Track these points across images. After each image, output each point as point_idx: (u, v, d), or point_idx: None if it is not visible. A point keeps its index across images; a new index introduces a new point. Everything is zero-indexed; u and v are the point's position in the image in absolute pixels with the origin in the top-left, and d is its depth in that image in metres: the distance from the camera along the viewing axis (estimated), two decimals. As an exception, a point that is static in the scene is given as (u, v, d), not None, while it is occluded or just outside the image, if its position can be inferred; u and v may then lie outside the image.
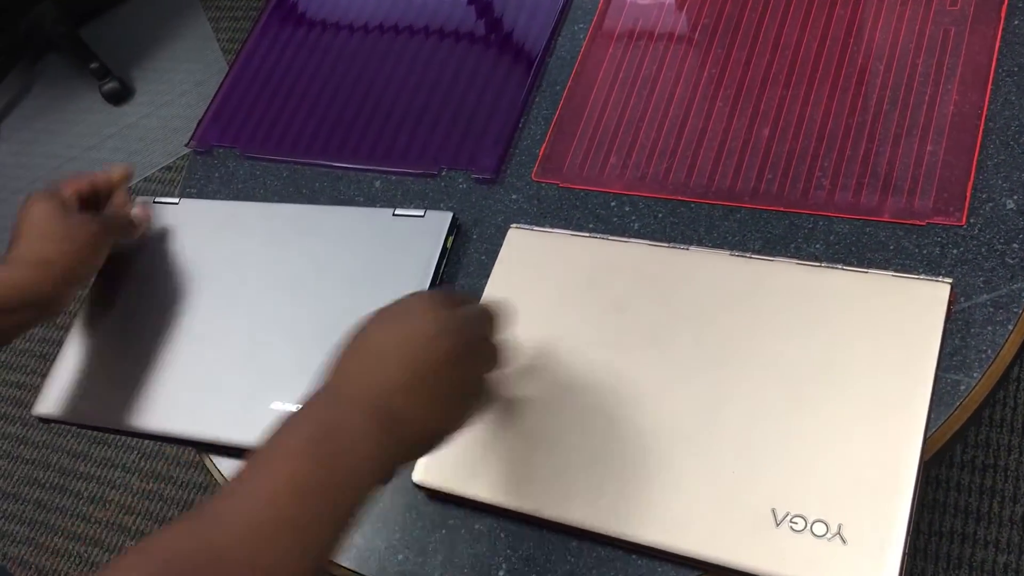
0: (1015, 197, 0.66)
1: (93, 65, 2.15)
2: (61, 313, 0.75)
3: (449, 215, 0.77)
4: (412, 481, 0.66)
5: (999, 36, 0.72)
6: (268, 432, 0.50)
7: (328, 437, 0.49)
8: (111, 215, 0.82)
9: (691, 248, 0.70)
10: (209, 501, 0.48)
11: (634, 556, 0.61)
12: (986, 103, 0.69)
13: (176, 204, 0.87)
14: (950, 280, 0.62)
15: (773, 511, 0.58)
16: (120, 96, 2.16)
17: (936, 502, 1.28)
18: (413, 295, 0.57)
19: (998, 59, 0.71)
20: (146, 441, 0.94)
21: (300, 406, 0.52)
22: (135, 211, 0.84)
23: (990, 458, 1.29)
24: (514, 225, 0.75)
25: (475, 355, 0.56)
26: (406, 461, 0.55)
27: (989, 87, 0.70)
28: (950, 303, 0.61)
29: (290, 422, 0.51)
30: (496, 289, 0.72)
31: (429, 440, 0.54)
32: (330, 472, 0.48)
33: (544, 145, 0.80)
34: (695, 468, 0.61)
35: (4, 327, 0.73)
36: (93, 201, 0.81)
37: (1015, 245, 0.64)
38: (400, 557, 0.66)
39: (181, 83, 2.12)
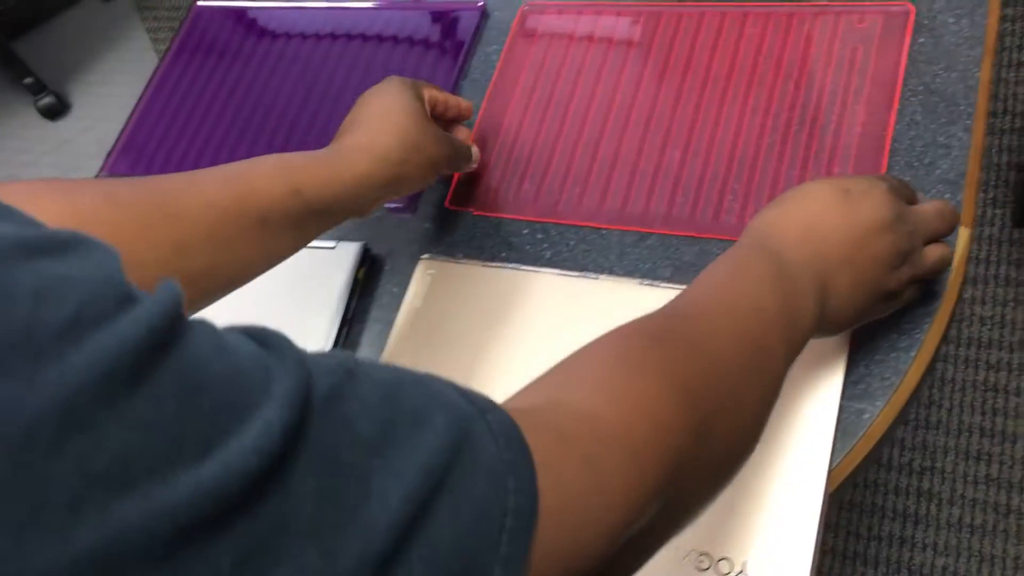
0: (919, 221, 0.65)
1: (27, 80, 2.10)
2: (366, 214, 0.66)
3: (359, 246, 0.76)
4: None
5: (904, 55, 0.72)
6: (722, 257, 0.53)
7: (783, 277, 0.51)
8: (460, 142, 0.72)
9: (600, 277, 0.69)
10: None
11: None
12: (891, 123, 0.69)
13: (84, 239, 0.85)
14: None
15: (676, 548, 0.57)
16: (56, 111, 2.12)
17: (875, 506, 1.28)
18: (870, 179, 0.57)
19: (904, 78, 0.71)
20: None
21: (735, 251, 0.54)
22: (474, 149, 0.75)
23: (927, 460, 1.30)
24: (424, 256, 0.74)
25: (912, 259, 0.56)
26: (819, 334, 0.55)
27: (895, 107, 0.70)
28: (854, 330, 0.61)
29: (740, 254, 0.53)
30: (406, 322, 0.71)
31: (841, 324, 0.56)
32: (786, 306, 0.50)
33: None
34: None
35: (330, 225, 0.63)
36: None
37: (918, 269, 0.64)
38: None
39: (120, 96, 2.08)
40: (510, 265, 0.72)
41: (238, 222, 0.55)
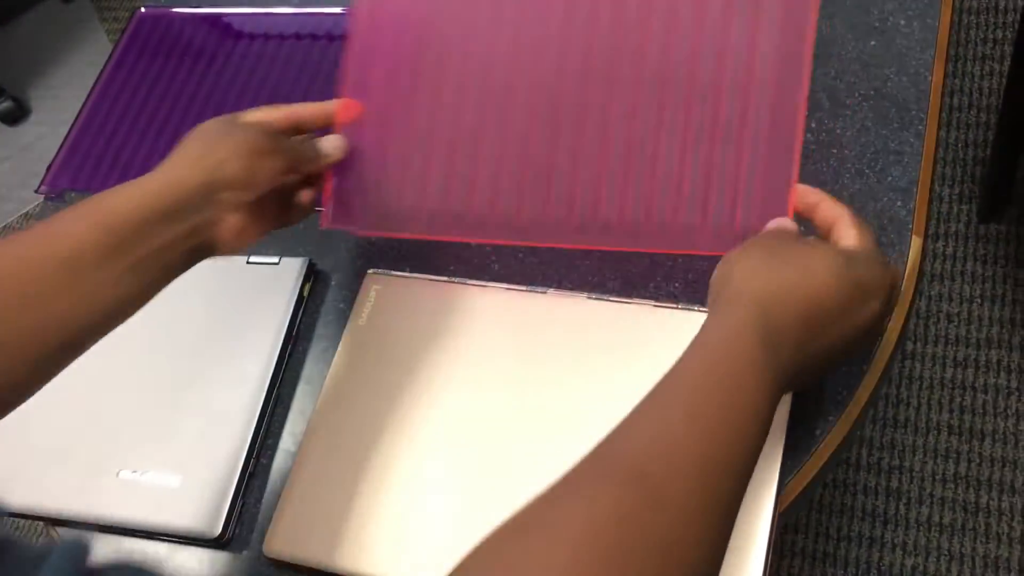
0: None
1: (-15, 85, 2.06)
2: (232, 248, 0.61)
3: (304, 261, 0.74)
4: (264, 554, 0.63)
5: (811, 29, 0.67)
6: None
7: (776, 385, 0.47)
8: (295, 137, 0.65)
9: (548, 291, 0.67)
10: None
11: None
12: (800, 118, 0.61)
13: (23, 256, 0.82)
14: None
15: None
16: (15, 116, 2.08)
17: (844, 506, 1.28)
18: (876, 261, 0.53)
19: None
20: None
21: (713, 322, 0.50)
22: (329, 140, 0.67)
23: (895, 459, 1.29)
24: (371, 271, 0.72)
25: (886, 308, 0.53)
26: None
27: (804, 101, 0.60)
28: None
29: (732, 356, 0.47)
30: (353, 339, 0.69)
31: (803, 381, 0.51)
32: (769, 413, 0.46)
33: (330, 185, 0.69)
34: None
35: (158, 250, 0.56)
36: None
37: (870, 280, 0.62)
38: (252, 633, 0.63)
39: (80, 100, 2.04)
40: (457, 279, 0.70)
41: (45, 271, 0.51)
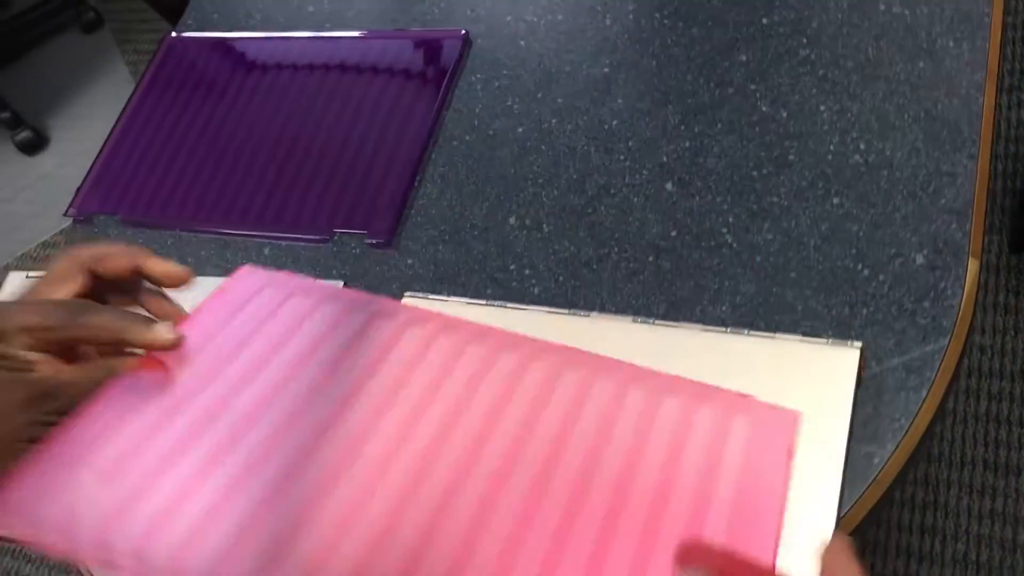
0: (924, 252, 0.62)
1: (4, 114, 2.06)
2: None
3: (339, 285, 0.73)
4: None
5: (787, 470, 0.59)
6: None
7: None
8: (71, 375, 0.48)
9: (592, 314, 0.65)
10: None
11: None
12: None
13: (51, 279, 0.81)
14: (860, 344, 0.58)
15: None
16: (34, 146, 2.08)
17: (878, 543, 1.24)
18: None
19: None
20: None
21: None
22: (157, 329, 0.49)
23: (930, 495, 1.26)
24: (408, 294, 0.70)
25: None
26: None
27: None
28: (861, 369, 0.58)
29: None
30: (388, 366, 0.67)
31: None
32: None
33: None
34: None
35: None
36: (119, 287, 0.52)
37: (926, 304, 0.60)
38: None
39: (99, 131, 2.04)
40: (496, 303, 0.68)
41: None
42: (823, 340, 0.59)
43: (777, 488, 0.43)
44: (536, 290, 0.70)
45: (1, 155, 2.12)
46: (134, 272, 0.52)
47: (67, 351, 0.49)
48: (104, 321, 0.48)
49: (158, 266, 0.52)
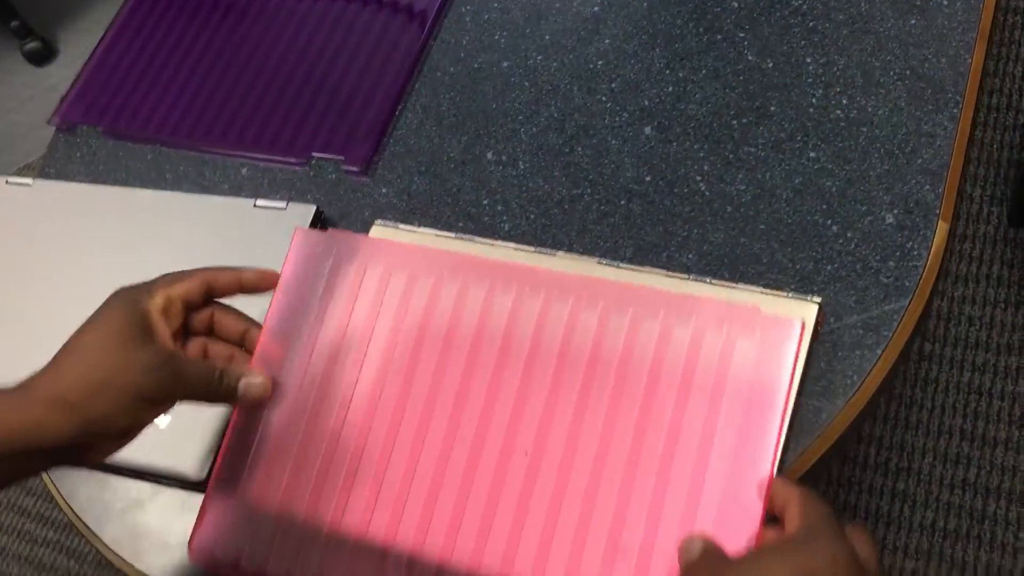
0: (895, 211, 0.62)
1: (13, 23, 2.05)
2: (93, 464, 0.55)
3: (312, 208, 0.72)
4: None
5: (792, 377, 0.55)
6: None
7: None
8: (202, 370, 0.55)
9: (558, 253, 0.65)
10: None
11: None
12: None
13: (29, 186, 0.81)
14: (819, 300, 0.58)
15: (610, 561, 0.54)
16: (42, 56, 2.07)
17: (848, 504, 1.25)
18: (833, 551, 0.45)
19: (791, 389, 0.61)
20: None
21: None
22: (250, 380, 0.58)
23: (904, 461, 1.27)
24: (378, 222, 0.70)
25: None
26: None
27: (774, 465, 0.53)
28: (818, 324, 0.58)
29: None
30: (337, 301, 0.67)
31: None
32: None
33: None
34: (523, 516, 0.55)
35: (6, 472, 0.50)
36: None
37: (891, 263, 0.60)
38: (230, 579, 0.62)
39: (108, 45, 2.03)
40: (465, 236, 0.68)
41: None
42: (783, 293, 0.59)
43: (780, 390, 0.52)
44: (507, 226, 0.69)
45: (9, 65, 2.11)
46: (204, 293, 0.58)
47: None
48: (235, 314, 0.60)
49: (246, 274, 0.59)
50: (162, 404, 0.54)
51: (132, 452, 0.65)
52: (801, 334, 0.54)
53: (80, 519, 0.66)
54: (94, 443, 0.52)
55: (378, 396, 0.59)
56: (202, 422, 0.65)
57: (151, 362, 0.52)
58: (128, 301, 0.54)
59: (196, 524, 0.59)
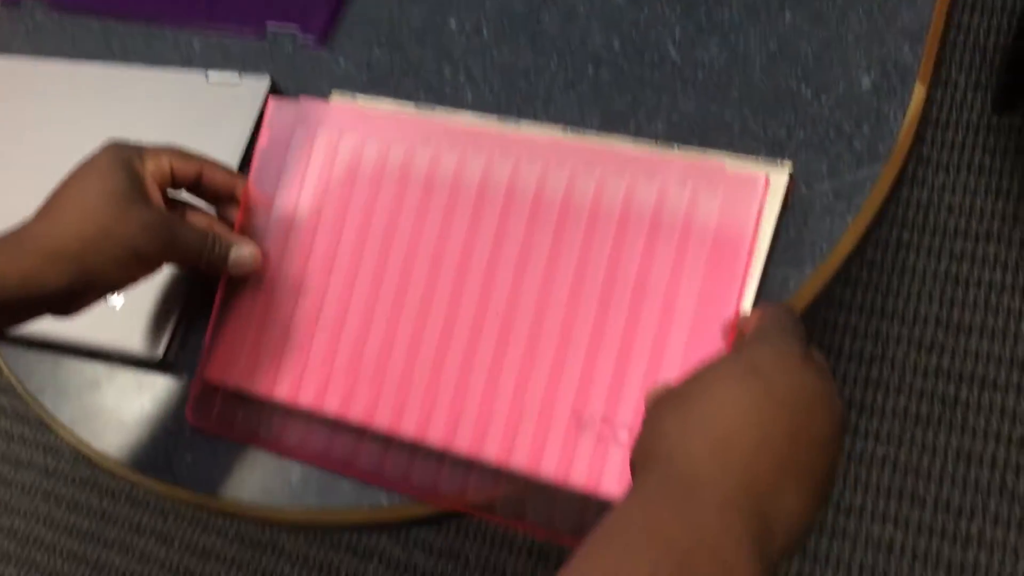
0: (872, 74, 0.59)
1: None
2: (75, 314, 0.55)
3: (267, 81, 0.69)
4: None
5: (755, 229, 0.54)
6: (586, 548, 0.36)
7: (689, 560, 0.34)
8: (198, 231, 0.57)
9: (523, 123, 0.63)
10: None
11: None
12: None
13: (-29, 61, 0.77)
14: (790, 165, 0.56)
15: (579, 417, 0.53)
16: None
17: (822, 392, 1.26)
18: (773, 337, 0.43)
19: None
20: None
21: (628, 500, 0.38)
22: (240, 251, 0.59)
23: (879, 350, 1.27)
24: (336, 92, 0.67)
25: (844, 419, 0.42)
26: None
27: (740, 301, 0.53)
28: (788, 192, 0.56)
29: (626, 524, 0.36)
30: (313, 166, 0.65)
31: (799, 541, 0.39)
32: None
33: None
34: (498, 371, 0.55)
35: None
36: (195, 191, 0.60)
37: (865, 128, 0.58)
38: (189, 458, 0.61)
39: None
40: (428, 106, 0.65)
41: None
42: (752, 158, 0.57)
43: (745, 241, 0.52)
44: (470, 97, 0.67)
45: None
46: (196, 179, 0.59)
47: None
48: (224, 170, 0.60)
49: (218, 175, 0.60)
50: (154, 264, 0.55)
51: (87, 332, 0.64)
52: (765, 188, 0.53)
53: (37, 400, 0.65)
54: (82, 295, 0.53)
55: (358, 260, 0.60)
56: (157, 303, 0.63)
57: (149, 221, 0.53)
58: (124, 160, 0.54)
59: (191, 390, 0.61)
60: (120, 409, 0.63)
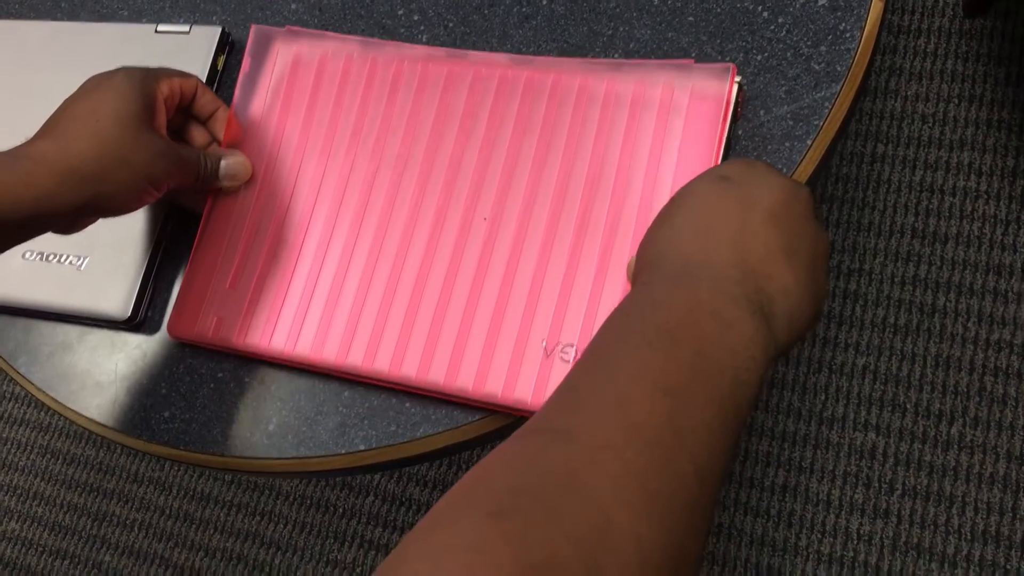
0: (828, -8, 0.58)
1: None
2: (74, 232, 0.55)
3: (217, 30, 0.68)
4: (168, 334, 0.60)
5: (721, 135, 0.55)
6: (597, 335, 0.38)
7: (687, 322, 0.37)
8: (198, 153, 0.59)
9: (470, 54, 0.62)
10: (542, 414, 0.35)
11: (408, 403, 0.57)
12: None
13: (-86, 24, 0.76)
14: (731, 64, 0.55)
15: (544, 344, 0.54)
16: None
17: (801, 308, 1.27)
18: (739, 160, 0.47)
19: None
20: None
21: (625, 299, 0.40)
22: (229, 160, 0.61)
23: (856, 263, 1.27)
24: (287, 27, 0.66)
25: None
26: (781, 352, 0.40)
27: None
28: (739, 101, 0.55)
29: (632, 308, 0.38)
30: (253, 101, 0.64)
31: (804, 321, 0.41)
32: (695, 367, 0.35)
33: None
34: (465, 304, 0.56)
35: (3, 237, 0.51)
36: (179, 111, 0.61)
37: (823, 48, 0.57)
38: (167, 414, 0.61)
39: None
40: (373, 39, 0.64)
41: None
42: (692, 63, 0.56)
43: (715, 131, 0.54)
44: (424, 37, 0.66)
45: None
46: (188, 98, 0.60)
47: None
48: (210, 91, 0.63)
49: (207, 95, 0.62)
50: (162, 188, 0.56)
51: (54, 296, 0.64)
52: (732, 75, 0.55)
53: (10, 364, 0.65)
54: (89, 215, 0.54)
55: (344, 186, 0.61)
56: (124, 262, 0.63)
57: (159, 146, 0.54)
58: (140, 82, 0.55)
59: (176, 304, 0.61)
60: (94, 370, 0.63)
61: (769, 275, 0.40)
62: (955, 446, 1.19)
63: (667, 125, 0.56)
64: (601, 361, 0.36)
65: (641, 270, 0.43)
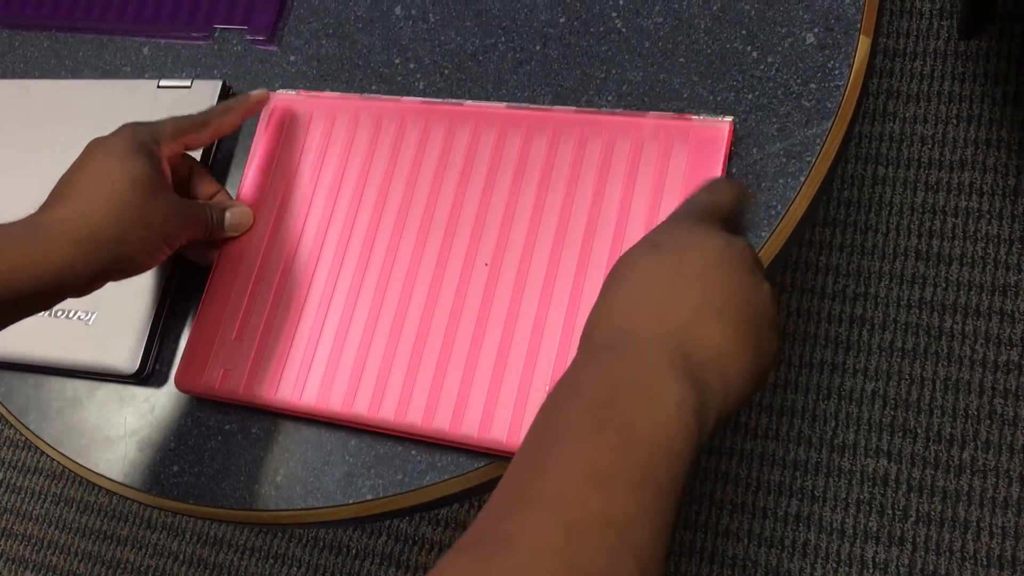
0: (816, 30, 0.59)
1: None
2: (84, 295, 0.55)
3: (218, 84, 0.69)
4: (175, 387, 0.61)
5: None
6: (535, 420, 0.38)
7: (610, 402, 0.36)
8: (208, 209, 0.60)
9: (466, 103, 0.63)
10: (483, 517, 0.34)
11: (413, 451, 0.58)
12: None
13: (-79, 87, 0.77)
14: (730, 118, 0.56)
15: (547, 388, 0.54)
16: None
17: (807, 334, 1.27)
18: (672, 220, 0.45)
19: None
20: None
21: (556, 385, 0.39)
22: (234, 212, 0.62)
23: (861, 287, 1.27)
24: (280, 91, 0.67)
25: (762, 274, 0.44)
26: (724, 414, 0.39)
27: None
28: (729, 141, 0.56)
29: (559, 395, 0.38)
30: (261, 164, 0.65)
31: (745, 378, 0.40)
32: (623, 450, 0.35)
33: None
34: (468, 349, 0.56)
35: (13, 314, 0.51)
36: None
37: (812, 85, 0.58)
38: (176, 468, 0.62)
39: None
40: (371, 96, 0.65)
41: None
42: (694, 115, 0.57)
43: (713, 174, 0.56)
44: (421, 84, 0.67)
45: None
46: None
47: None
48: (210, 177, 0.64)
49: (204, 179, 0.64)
50: (175, 246, 0.57)
51: (63, 351, 0.64)
52: (730, 134, 0.56)
53: (20, 421, 0.66)
54: (107, 278, 0.54)
55: (347, 238, 0.62)
56: (131, 316, 0.64)
57: (173, 205, 0.56)
58: (143, 140, 0.56)
59: (183, 356, 0.62)
60: (103, 425, 0.64)
61: (699, 338, 0.39)
62: (968, 471, 1.18)
63: (666, 171, 0.56)
64: (533, 455, 0.36)
65: (578, 349, 0.42)
